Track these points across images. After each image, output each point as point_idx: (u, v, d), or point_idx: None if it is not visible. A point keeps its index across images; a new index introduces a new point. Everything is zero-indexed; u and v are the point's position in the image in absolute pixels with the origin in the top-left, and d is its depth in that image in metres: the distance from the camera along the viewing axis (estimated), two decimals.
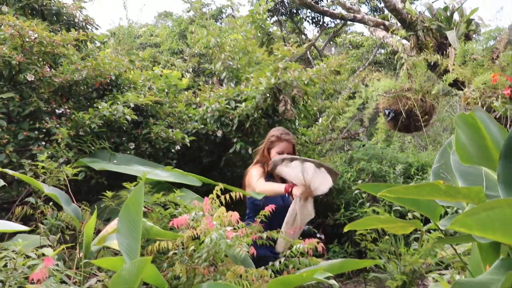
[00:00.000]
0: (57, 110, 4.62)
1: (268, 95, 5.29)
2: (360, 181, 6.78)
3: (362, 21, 8.45)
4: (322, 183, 3.62)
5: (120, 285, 2.41)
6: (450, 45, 6.34)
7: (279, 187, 3.85)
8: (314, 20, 14.56)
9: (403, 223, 3.15)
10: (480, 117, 2.82)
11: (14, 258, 2.58)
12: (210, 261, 3.22)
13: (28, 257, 2.61)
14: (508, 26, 6.29)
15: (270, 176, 4.06)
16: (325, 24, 14.91)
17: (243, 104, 5.37)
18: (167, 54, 12.00)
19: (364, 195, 6.02)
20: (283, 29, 14.76)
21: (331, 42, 17.09)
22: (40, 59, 4.72)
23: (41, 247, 2.77)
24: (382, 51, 14.78)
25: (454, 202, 2.81)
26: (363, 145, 8.24)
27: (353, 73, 13.17)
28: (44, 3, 6.07)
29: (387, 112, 6.03)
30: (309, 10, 13.11)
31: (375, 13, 13.75)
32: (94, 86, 5.12)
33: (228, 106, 5.42)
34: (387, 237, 4.86)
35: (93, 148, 4.49)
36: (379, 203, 5.76)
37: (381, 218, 3.30)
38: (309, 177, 3.60)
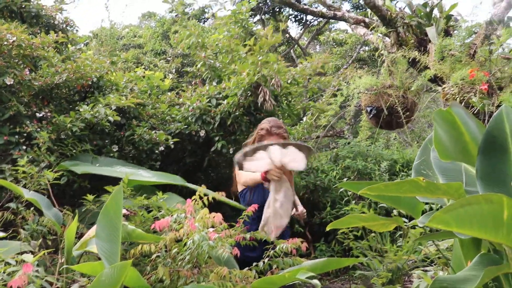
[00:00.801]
0: (37, 114, 4.57)
1: (249, 91, 5.30)
2: (345, 179, 6.79)
3: (342, 18, 8.46)
4: (295, 159, 3.54)
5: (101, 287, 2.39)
6: (430, 41, 6.36)
7: (256, 175, 3.75)
8: (297, 18, 14.56)
9: (384, 220, 3.17)
10: (457, 113, 2.84)
11: None
12: (194, 263, 3.21)
13: (8, 264, 2.58)
14: (486, 21, 6.32)
15: None
16: (308, 22, 14.91)
17: (225, 101, 5.36)
18: (150, 55, 11.95)
19: (349, 193, 6.04)
20: (265, 28, 14.76)
21: (314, 40, 17.11)
22: (20, 62, 4.68)
23: (22, 253, 2.74)
24: (366, 48, 14.82)
25: (435, 198, 2.82)
26: (348, 143, 8.26)
27: (337, 71, 13.19)
28: (23, 6, 6.02)
29: (368, 109, 6.03)
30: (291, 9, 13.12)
31: (358, 10, 13.77)
32: (75, 89, 5.09)
33: (209, 104, 5.41)
34: (373, 234, 4.88)
35: (74, 151, 4.46)
36: (365, 201, 5.78)
37: (363, 216, 3.30)
38: (278, 158, 3.53)
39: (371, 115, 6.06)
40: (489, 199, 2.18)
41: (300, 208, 4.09)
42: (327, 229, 3.06)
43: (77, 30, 6.76)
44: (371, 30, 7.33)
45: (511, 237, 2.30)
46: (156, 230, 3.27)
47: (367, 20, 7.69)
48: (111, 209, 2.75)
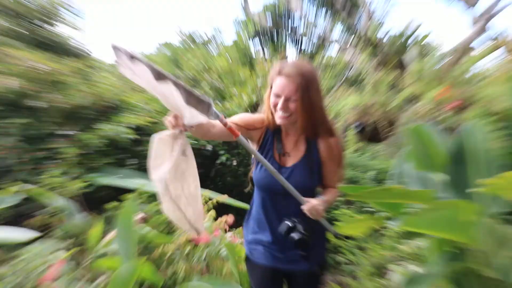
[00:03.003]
0: (67, 132, 4.64)
1: (249, 110, 5.37)
2: None
3: (333, 44, 8.58)
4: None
5: (118, 282, 2.47)
6: (407, 64, 6.46)
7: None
8: (293, 41, 14.57)
9: (374, 220, 3.23)
10: (428, 129, 2.90)
11: (31, 261, 2.64)
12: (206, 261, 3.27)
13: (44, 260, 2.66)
14: (454, 48, 6.42)
15: (274, 134, 2.29)
16: (302, 48, 14.97)
17: None
18: None
19: (340, 198, 6.07)
20: (265, 51, 14.83)
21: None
22: (52, 88, 4.73)
23: (56, 250, 2.82)
24: (354, 70, 14.81)
25: (409, 204, 2.87)
26: None
27: (330, 90, 13.23)
28: (56, 40, 6.10)
29: (356, 125, 6.10)
30: (289, 33, 13.20)
31: (346, 36, 13.81)
32: (99, 110, 5.11)
33: None
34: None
35: (100, 164, 4.51)
36: (353, 205, 5.82)
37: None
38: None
39: (358, 130, 6.13)
40: (454, 204, 2.25)
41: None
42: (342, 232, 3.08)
43: (102, 58, 6.83)
44: (358, 55, 7.43)
45: (472, 237, 2.38)
46: (170, 232, 3.36)
47: (354, 46, 7.80)
48: (126, 214, 2.82)
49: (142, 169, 5.01)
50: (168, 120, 1.80)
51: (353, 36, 7.86)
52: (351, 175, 7.11)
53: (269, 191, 2.24)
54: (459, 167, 2.63)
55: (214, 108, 1.77)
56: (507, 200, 2.46)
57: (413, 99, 5.64)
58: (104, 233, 3.33)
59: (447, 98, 4.81)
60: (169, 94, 1.78)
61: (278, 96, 2.06)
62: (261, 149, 2.25)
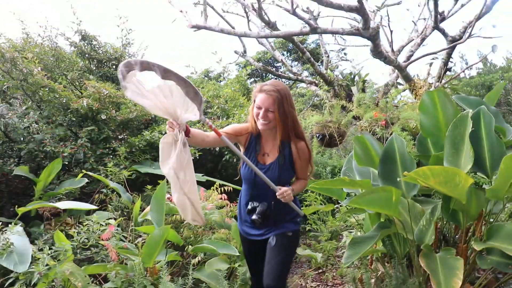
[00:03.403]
0: (119, 136, 4.58)
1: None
2: None
3: (302, 80, 8.57)
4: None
5: (152, 242, 2.42)
6: (353, 95, 6.47)
7: None
8: (276, 79, 14.60)
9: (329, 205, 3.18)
10: (368, 138, 2.89)
11: (92, 226, 2.59)
12: (207, 226, 3.22)
13: (101, 225, 2.61)
14: (385, 83, 6.45)
15: (257, 138, 2.13)
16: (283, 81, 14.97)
17: None
18: None
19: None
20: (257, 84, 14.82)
21: None
22: (109, 106, 4.69)
23: (109, 219, 2.76)
24: (317, 98, 14.84)
25: (354, 189, 2.85)
26: None
27: (301, 111, 13.22)
28: (113, 73, 6.06)
29: (317, 135, 6.07)
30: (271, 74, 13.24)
31: (312, 76, 13.84)
32: (141, 121, 5.07)
33: None
34: (320, 211, 4.87)
35: (140, 159, 4.47)
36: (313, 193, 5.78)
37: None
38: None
39: (319, 139, 6.10)
40: (384, 189, 2.23)
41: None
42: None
43: None
44: (319, 88, 7.41)
45: (397, 212, 2.36)
46: None
47: (317, 81, 7.80)
48: (159, 194, 2.78)
49: None
50: (168, 125, 1.73)
51: (316, 75, 7.82)
52: (316, 170, 7.07)
53: (249, 182, 2.11)
54: (388, 164, 2.61)
55: (203, 106, 1.64)
56: (420, 186, 2.45)
57: (357, 118, 5.64)
58: (142, 207, 3.29)
59: (379, 118, 4.82)
60: (169, 95, 1.65)
61: (259, 108, 1.96)
62: (247, 151, 2.12)
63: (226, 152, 5.20)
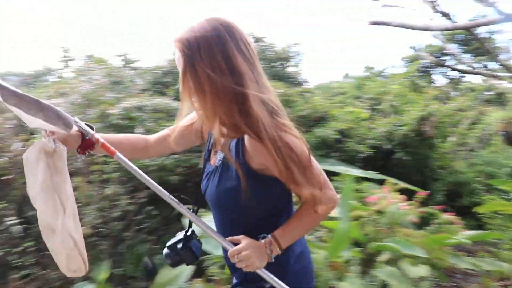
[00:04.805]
0: None
1: (418, 121, 5.09)
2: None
3: (480, 73, 7.51)
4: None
5: (340, 235, 2.49)
6: None
7: None
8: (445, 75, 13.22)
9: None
10: None
11: None
12: (389, 225, 3.14)
13: None
14: None
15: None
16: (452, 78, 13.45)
17: (403, 127, 5.17)
18: (351, 98, 11.89)
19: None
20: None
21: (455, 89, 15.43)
22: (284, 104, 4.94)
23: None
24: (490, 92, 12.90)
25: None
26: None
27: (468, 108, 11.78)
28: (283, 73, 6.45)
29: (506, 133, 5.30)
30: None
31: (485, 68, 12.09)
32: (311, 118, 5.19)
33: (392, 128, 5.25)
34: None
35: (316, 155, 4.59)
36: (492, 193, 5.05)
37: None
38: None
39: (505, 137, 5.33)
40: None
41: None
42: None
43: (309, 84, 7.02)
44: (502, 81, 6.43)
45: None
46: (365, 203, 3.29)
47: (495, 74, 6.77)
48: (347, 190, 2.83)
49: (343, 160, 4.96)
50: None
51: (501, 66, 6.80)
52: (489, 171, 6.08)
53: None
54: None
55: (79, 122, 1.03)
56: None
57: None
58: None
59: None
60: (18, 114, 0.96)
61: None
62: (205, 145, 1.28)
63: (398, 150, 5.00)
